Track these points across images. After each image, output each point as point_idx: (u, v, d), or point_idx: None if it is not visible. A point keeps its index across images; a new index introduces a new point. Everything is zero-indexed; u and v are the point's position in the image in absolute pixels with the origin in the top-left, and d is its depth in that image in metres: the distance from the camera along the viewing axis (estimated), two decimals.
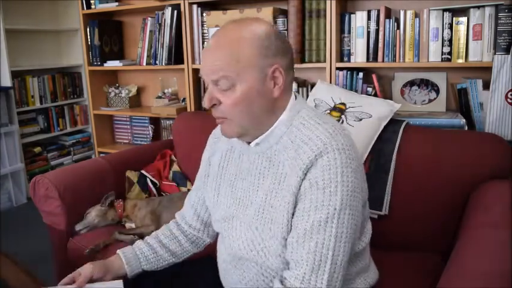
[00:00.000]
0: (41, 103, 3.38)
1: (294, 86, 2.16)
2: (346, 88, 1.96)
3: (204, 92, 2.43)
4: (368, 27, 1.95)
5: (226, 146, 1.08)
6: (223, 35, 0.91)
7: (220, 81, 0.89)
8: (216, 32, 0.93)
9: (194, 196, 1.20)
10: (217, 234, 1.19)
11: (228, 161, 1.06)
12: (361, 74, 1.95)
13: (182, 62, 2.44)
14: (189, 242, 1.22)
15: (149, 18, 2.54)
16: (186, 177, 2.06)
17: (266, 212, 0.93)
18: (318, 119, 0.93)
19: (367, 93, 1.94)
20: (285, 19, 2.07)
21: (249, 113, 0.91)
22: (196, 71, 2.42)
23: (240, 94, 0.89)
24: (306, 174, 0.87)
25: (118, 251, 1.18)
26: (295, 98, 0.98)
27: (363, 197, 0.93)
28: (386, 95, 2.05)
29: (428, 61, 1.86)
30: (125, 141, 2.96)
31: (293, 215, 0.89)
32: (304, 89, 2.15)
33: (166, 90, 2.72)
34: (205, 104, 0.93)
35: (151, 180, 2.00)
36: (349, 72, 1.97)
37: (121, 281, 1.11)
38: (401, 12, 1.87)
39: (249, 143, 0.99)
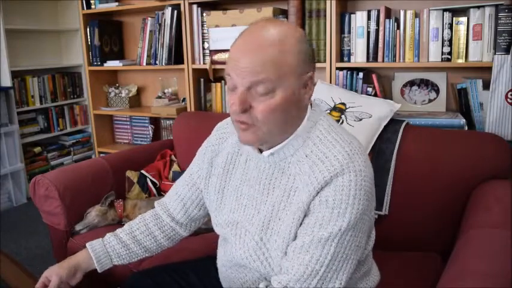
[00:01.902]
0: (41, 103, 3.38)
1: None
2: (346, 88, 1.96)
3: (205, 92, 2.44)
4: (368, 27, 1.95)
5: (232, 149, 1.04)
6: (261, 35, 0.84)
7: (260, 84, 0.82)
8: (251, 32, 0.86)
9: (186, 190, 1.15)
10: (195, 229, 1.20)
11: (234, 164, 1.02)
12: (361, 74, 1.95)
13: (182, 62, 2.44)
14: (166, 237, 1.17)
15: (149, 18, 2.54)
16: None
17: (273, 223, 0.91)
18: (335, 134, 0.90)
19: (367, 93, 1.94)
20: (285, 19, 2.07)
21: (282, 121, 0.86)
22: (196, 71, 2.42)
23: (280, 101, 0.83)
24: (318, 192, 0.85)
25: (87, 245, 1.13)
26: (311, 107, 0.94)
27: (371, 217, 0.92)
28: (387, 95, 2.05)
29: (428, 61, 1.86)
30: (125, 141, 2.96)
31: None
32: None
33: (166, 90, 2.72)
34: (237, 108, 0.84)
35: (151, 180, 2.00)
36: (349, 72, 1.97)
37: None
38: (401, 12, 1.87)
39: (260, 150, 0.95)
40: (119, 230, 1.18)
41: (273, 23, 0.87)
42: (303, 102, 0.89)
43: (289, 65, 0.83)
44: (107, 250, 1.13)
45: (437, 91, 1.98)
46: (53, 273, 1.06)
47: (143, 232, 1.16)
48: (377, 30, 1.93)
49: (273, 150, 0.92)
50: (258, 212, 0.94)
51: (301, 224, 0.87)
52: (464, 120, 1.73)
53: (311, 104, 0.94)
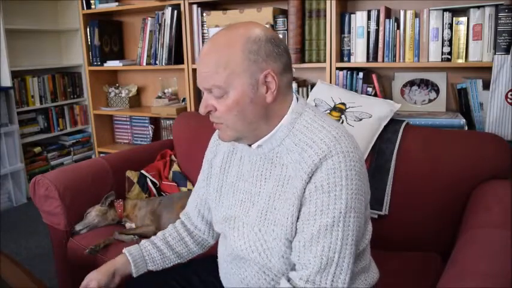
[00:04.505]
0: (41, 103, 3.38)
1: (294, 86, 2.16)
2: (346, 88, 1.96)
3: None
4: (368, 27, 1.94)
5: (228, 148, 1.08)
6: (212, 42, 0.91)
7: (213, 88, 0.89)
8: (208, 40, 0.93)
9: (197, 197, 1.20)
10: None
11: (230, 162, 1.06)
12: (361, 74, 1.95)
13: (182, 62, 2.44)
14: (195, 243, 1.22)
15: (149, 18, 2.54)
16: (186, 177, 2.05)
17: (269, 213, 0.93)
18: (321, 121, 0.93)
19: (367, 93, 1.94)
20: (285, 19, 2.07)
21: (243, 119, 0.91)
22: (196, 71, 2.42)
23: (232, 101, 0.89)
24: (311, 177, 0.87)
25: (124, 251, 1.17)
26: (297, 100, 0.97)
27: (366, 198, 0.94)
28: (387, 95, 2.05)
29: (428, 61, 1.86)
30: (125, 141, 2.96)
31: (298, 217, 0.90)
32: (304, 89, 2.15)
33: (166, 90, 2.72)
34: (201, 111, 0.93)
35: (151, 180, 2.00)
36: (349, 72, 1.97)
37: None
38: (401, 12, 1.87)
39: (250, 145, 0.99)
40: (152, 237, 1.22)
41: (226, 28, 0.92)
42: (263, 100, 0.90)
43: (236, 67, 0.87)
44: (143, 255, 1.17)
45: (437, 91, 1.98)
46: (92, 278, 1.09)
47: (175, 238, 1.21)
48: (377, 30, 1.93)
49: (260, 142, 0.96)
50: (253, 204, 0.97)
51: (298, 212, 0.89)
52: (464, 120, 1.73)
53: (297, 98, 0.98)
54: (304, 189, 0.88)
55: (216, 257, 1.14)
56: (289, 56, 0.94)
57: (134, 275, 1.15)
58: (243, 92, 0.89)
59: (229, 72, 0.87)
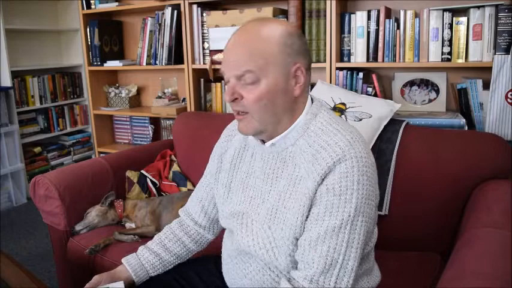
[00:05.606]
0: (41, 103, 3.38)
1: None
2: (346, 88, 1.96)
3: (205, 92, 2.44)
4: (368, 27, 1.95)
5: (239, 144, 1.08)
6: (246, 31, 0.92)
7: (245, 75, 0.90)
8: (239, 29, 0.94)
9: (202, 192, 1.20)
10: (221, 231, 1.20)
11: (241, 158, 1.07)
12: (361, 74, 1.95)
13: (182, 62, 2.44)
14: (193, 241, 1.22)
15: (149, 18, 2.54)
16: (186, 177, 2.05)
17: (279, 212, 0.94)
18: (336, 124, 0.94)
19: (367, 93, 1.94)
20: (285, 19, 2.07)
21: (271, 109, 0.92)
22: (196, 71, 2.42)
23: (264, 90, 0.90)
24: (323, 179, 0.88)
25: (122, 261, 1.16)
26: (312, 102, 0.99)
27: (376, 203, 0.94)
28: (387, 95, 2.05)
29: (428, 61, 1.86)
30: (125, 141, 2.96)
31: (307, 217, 0.90)
32: None
33: (166, 90, 2.73)
34: (227, 98, 0.93)
35: (151, 180, 2.00)
36: (349, 72, 1.97)
37: (122, 282, 1.10)
38: (401, 12, 1.87)
39: (263, 142, 1.00)
40: (149, 242, 1.21)
41: (259, 21, 0.95)
42: (292, 92, 0.93)
43: (271, 57, 0.90)
44: (141, 263, 1.16)
45: (437, 91, 1.98)
46: (92, 280, 1.10)
47: (171, 240, 1.20)
48: (377, 30, 1.93)
49: (274, 141, 0.97)
50: (263, 201, 0.98)
51: (308, 212, 0.90)
52: (464, 120, 1.73)
53: (312, 99, 0.99)
54: (316, 190, 0.89)
55: (216, 256, 1.14)
56: (310, 56, 0.97)
57: (136, 284, 1.15)
58: (275, 82, 0.90)
59: (264, 61, 0.89)
